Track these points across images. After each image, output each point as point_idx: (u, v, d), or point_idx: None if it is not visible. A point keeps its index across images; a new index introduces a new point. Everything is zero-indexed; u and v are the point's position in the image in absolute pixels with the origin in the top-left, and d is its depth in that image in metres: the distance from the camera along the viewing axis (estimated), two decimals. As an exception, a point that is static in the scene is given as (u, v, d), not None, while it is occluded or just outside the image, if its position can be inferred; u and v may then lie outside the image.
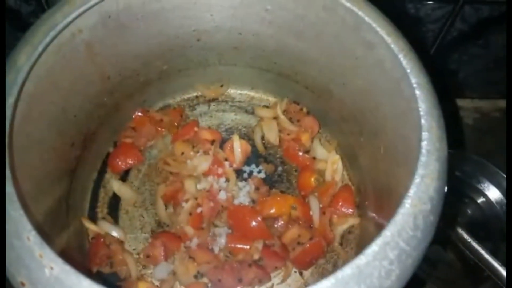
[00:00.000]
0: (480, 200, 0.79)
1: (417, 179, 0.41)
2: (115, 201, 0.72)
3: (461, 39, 0.84)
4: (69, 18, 0.51)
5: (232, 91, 0.82)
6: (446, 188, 0.44)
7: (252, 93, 0.81)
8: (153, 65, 0.71)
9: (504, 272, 0.65)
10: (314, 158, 0.74)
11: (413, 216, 0.39)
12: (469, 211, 0.80)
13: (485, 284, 0.72)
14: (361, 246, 0.68)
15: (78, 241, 0.66)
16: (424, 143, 0.43)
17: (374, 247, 0.38)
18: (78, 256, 0.64)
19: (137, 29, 0.63)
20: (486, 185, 0.79)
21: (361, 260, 0.37)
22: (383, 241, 0.38)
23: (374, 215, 0.64)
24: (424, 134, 0.44)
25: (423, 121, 0.44)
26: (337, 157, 0.72)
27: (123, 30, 0.61)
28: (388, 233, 0.38)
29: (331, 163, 0.72)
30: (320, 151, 0.74)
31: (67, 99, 0.59)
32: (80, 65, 0.59)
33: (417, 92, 0.46)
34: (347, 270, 0.36)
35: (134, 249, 0.68)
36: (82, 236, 0.67)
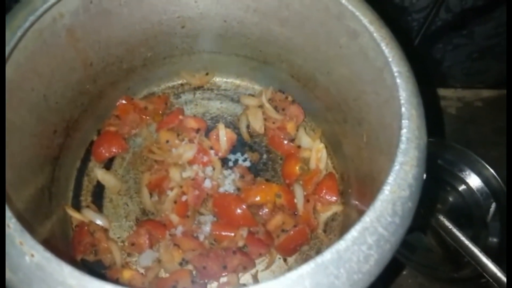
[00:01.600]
0: (461, 187, 0.81)
1: (396, 166, 0.42)
2: (99, 190, 0.71)
3: (445, 28, 0.85)
4: (50, 3, 0.50)
5: (218, 79, 0.81)
6: (425, 175, 0.45)
7: (237, 81, 0.81)
8: (137, 52, 0.70)
9: (483, 258, 0.66)
10: (299, 146, 0.74)
11: (392, 203, 0.40)
12: (450, 199, 0.81)
13: (464, 270, 0.74)
14: (344, 233, 0.68)
15: (61, 230, 0.65)
16: (404, 131, 0.44)
17: (353, 233, 0.38)
18: (62, 245, 0.64)
19: (120, 15, 0.62)
20: (467, 173, 0.81)
21: (341, 245, 0.37)
22: (362, 226, 0.39)
23: (357, 202, 0.65)
24: (404, 122, 0.44)
25: (403, 109, 0.45)
26: (322, 145, 0.73)
27: (106, 16, 0.60)
28: (367, 219, 0.39)
29: (315, 152, 0.73)
30: (305, 139, 0.74)
31: (49, 85, 0.58)
32: (62, 51, 0.58)
33: (398, 80, 0.47)
34: (327, 255, 0.37)
35: (118, 237, 0.68)
36: (66, 225, 0.67)
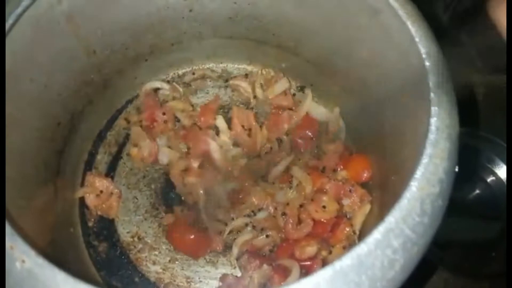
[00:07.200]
0: (490, 179, 0.75)
1: (425, 159, 0.37)
2: (107, 182, 0.69)
3: (474, 10, 0.78)
4: (45, -13, 0.47)
5: (229, 65, 0.77)
6: (457, 168, 0.40)
7: (249, 67, 0.77)
8: (143, 38, 0.66)
9: None
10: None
11: (420, 200, 0.36)
12: (477, 190, 0.76)
13: (492, 265, 0.69)
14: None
15: (66, 223, 0.63)
16: (433, 120, 0.39)
17: (376, 235, 0.34)
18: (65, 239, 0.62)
19: (123, -1, 0.58)
20: (496, 163, 0.75)
21: (362, 249, 0.33)
22: (386, 228, 0.34)
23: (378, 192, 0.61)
24: (434, 110, 0.39)
25: (432, 95, 0.40)
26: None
27: (107, 0, 0.57)
28: (392, 219, 0.35)
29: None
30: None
31: (49, 76, 0.56)
32: (61, 38, 0.55)
33: (427, 63, 0.42)
34: (347, 261, 0.33)
35: (128, 232, 0.66)
36: (71, 219, 0.65)
